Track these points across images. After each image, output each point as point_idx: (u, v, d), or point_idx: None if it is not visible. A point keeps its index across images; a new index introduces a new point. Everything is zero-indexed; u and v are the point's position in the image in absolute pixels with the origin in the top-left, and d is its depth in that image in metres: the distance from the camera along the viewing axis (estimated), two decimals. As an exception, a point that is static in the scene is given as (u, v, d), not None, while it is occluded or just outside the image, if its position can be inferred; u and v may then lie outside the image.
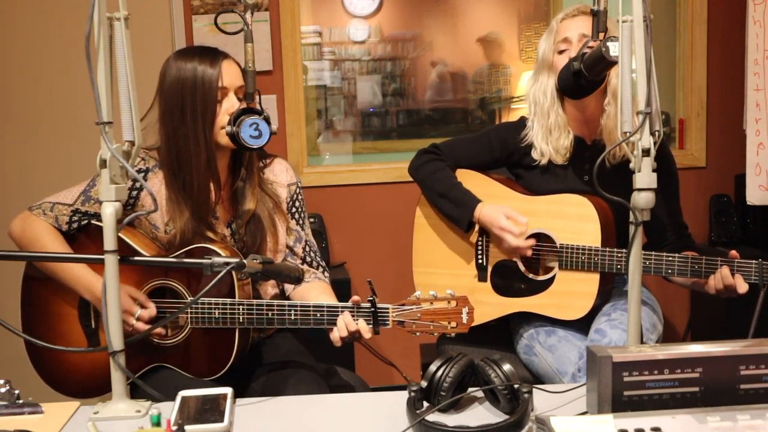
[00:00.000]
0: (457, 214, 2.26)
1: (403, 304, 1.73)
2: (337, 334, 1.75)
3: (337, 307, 1.77)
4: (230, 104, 1.88)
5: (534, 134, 2.24)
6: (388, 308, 1.74)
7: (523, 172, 2.31)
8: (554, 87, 2.20)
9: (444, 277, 2.34)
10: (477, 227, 2.27)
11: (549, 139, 2.22)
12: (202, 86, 1.86)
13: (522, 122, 2.31)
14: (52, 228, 1.93)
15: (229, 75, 1.88)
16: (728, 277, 1.98)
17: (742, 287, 1.97)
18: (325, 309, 1.77)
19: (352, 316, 1.74)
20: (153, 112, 1.94)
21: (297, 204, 2.08)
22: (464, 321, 1.72)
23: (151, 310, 1.84)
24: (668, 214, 2.23)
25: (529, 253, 2.19)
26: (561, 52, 2.17)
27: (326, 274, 2.10)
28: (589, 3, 2.21)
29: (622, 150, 2.11)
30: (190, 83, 1.86)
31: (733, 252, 2.03)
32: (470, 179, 2.33)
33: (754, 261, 1.98)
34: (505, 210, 2.18)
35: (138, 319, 1.82)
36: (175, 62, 1.89)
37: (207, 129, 1.87)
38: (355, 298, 1.76)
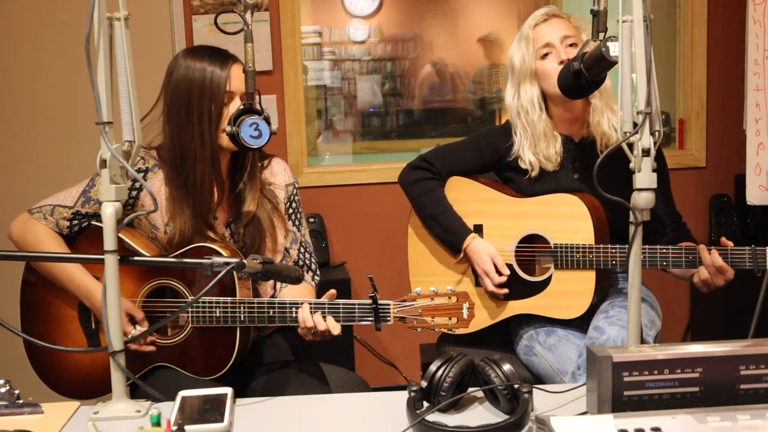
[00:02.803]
0: (447, 239, 2.29)
1: (404, 300, 1.74)
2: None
3: (339, 305, 1.77)
4: (235, 108, 1.87)
5: (520, 147, 2.24)
6: (389, 304, 1.74)
7: (514, 175, 2.30)
8: (539, 94, 2.20)
9: (442, 284, 2.32)
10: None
11: (537, 149, 2.21)
12: (210, 88, 1.86)
13: (509, 126, 2.31)
14: (54, 233, 1.93)
15: (237, 80, 1.88)
16: (718, 259, 2.00)
17: (731, 270, 2.01)
18: (326, 306, 1.77)
19: (322, 314, 1.76)
20: (157, 107, 1.93)
21: (294, 205, 2.08)
22: (465, 316, 1.74)
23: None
24: (663, 204, 2.24)
25: (501, 297, 2.23)
26: (544, 56, 2.17)
27: (316, 279, 2.10)
28: (555, 7, 2.24)
29: (612, 138, 2.15)
30: (198, 83, 1.86)
31: (723, 239, 2.06)
32: (461, 186, 2.33)
33: (747, 247, 2.00)
34: (493, 254, 2.21)
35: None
36: (185, 60, 1.89)
37: (213, 130, 1.87)
38: (332, 291, 1.79)
